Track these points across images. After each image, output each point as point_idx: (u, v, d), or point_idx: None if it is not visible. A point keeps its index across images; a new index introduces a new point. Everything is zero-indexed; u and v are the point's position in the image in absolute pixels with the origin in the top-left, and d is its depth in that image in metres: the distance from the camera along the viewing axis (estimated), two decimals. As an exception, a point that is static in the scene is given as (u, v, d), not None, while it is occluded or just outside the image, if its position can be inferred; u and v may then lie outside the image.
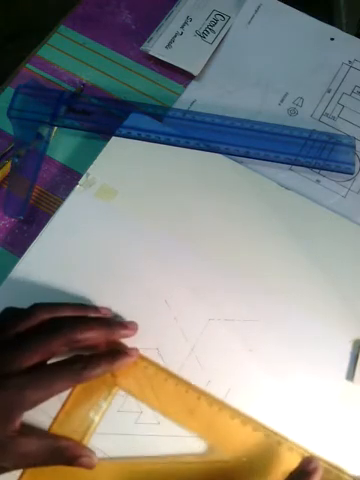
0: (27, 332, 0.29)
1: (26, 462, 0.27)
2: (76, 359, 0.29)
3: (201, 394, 0.31)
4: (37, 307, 0.30)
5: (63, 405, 0.30)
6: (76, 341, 0.29)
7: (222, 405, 0.30)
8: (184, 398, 0.30)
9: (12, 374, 0.27)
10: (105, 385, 0.30)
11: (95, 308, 0.32)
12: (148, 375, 0.31)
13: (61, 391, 0.28)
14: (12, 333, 0.29)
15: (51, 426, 0.30)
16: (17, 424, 0.27)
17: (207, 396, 0.31)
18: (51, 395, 0.27)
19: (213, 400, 0.31)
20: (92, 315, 0.32)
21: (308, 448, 0.30)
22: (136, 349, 0.31)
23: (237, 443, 0.30)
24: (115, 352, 0.30)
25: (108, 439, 0.30)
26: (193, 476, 0.29)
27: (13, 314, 0.30)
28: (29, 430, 0.28)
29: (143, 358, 0.31)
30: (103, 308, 0.32)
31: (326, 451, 0.30)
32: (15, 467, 0.28)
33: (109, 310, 0.32)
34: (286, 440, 0.30)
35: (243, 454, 0.29)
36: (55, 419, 0.30)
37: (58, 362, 0.29)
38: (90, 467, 0.28)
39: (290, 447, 0.29)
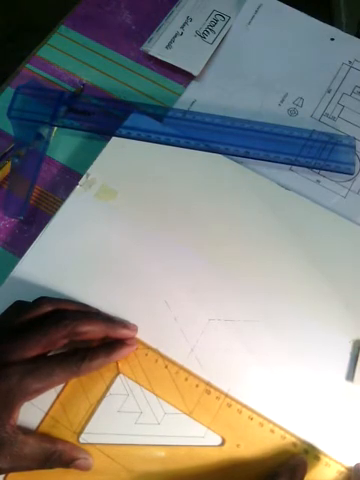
0: (30, 322, 0.29)
1: (22, 465, 0.27)
2: (75, 352, 0.29)
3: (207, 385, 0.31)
4: (43, 299, 0.30)
5: (58, 395, 0.30)
6: (77, 334, 0.29)
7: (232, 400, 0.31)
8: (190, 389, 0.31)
9: (14, 363, 0.27)
10: (107, 372, 0.31)
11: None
12: (148, 361, 0.31)
13: (60, 383, 0.29)
14: (16, 323, 0.29)
15: (45, 418, 0.30)
16: (16, 416, 0.27)
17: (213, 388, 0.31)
18: (50, 386, 0.28)
19: (220, 393, 0.31)
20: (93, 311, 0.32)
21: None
22: (135, 338, 0.31)
23: (252, 439, 0.30)
24: (113, 343, 0.30)
25: (108, 439, 0.30)
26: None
27: (21, 307, 0.31)
28: (26, 431, 0.28)
29: (144, 346, 0.32)
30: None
31: (326, 451, 0.30)
32: (11, 469, 0.28)
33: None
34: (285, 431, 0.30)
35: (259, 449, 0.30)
36: (50, 409, 0.30)
37: (57, 354, 0.29)
38: (86, 469, 0.28)
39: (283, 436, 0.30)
